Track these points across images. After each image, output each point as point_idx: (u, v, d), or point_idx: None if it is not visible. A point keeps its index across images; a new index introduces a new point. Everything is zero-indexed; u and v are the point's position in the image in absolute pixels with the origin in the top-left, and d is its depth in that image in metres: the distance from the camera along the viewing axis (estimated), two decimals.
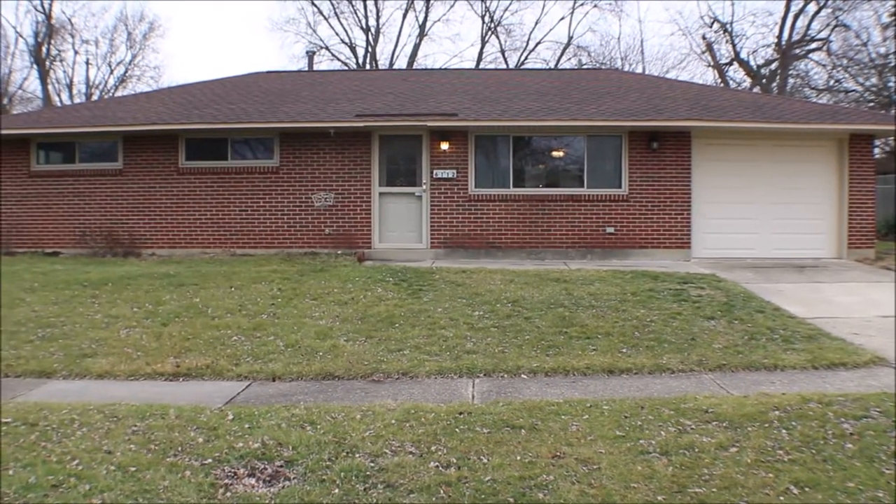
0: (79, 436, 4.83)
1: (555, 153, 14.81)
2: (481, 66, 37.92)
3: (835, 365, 6.82)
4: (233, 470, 4.32)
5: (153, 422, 5.11)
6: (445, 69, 30.75)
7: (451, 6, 55.67)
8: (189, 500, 3.94)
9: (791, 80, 33.09)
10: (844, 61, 29.66)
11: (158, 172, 14.50)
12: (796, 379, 6.44)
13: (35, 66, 37.70)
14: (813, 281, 11.44)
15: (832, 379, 6.42)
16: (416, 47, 39.37)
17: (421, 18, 39.60)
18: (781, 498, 3.96)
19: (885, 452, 4.47)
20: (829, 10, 31.08)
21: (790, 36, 32.94)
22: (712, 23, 35.55)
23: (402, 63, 38.81)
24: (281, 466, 4.37)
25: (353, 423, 5.11)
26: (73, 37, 39.23)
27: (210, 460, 4.44)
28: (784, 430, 4.89)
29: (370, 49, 39.20)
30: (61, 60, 39.42)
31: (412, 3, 38.88)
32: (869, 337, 7.79)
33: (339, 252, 13.97)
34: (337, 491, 4.04)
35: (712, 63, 36.04)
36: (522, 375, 6.63)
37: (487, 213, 14.09)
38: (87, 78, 40.49)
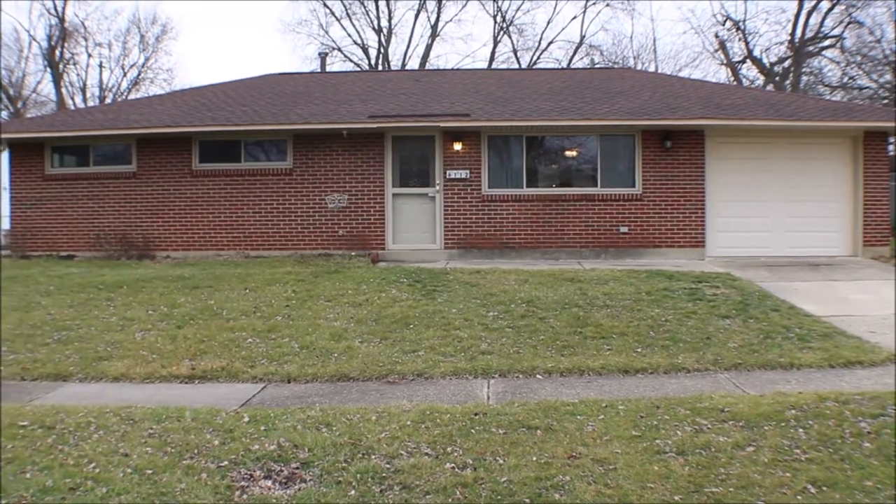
0: (95, 439, 4.87)
1: (568, 153, 14.77)
2: (493, 66, 37.87)
3: (851, 363, 6.80)
4: (249, 472, 4.34)
5: (169, 424, 5.14)
6: (458, 69, 30.79)
7: (463, 6, 55.80)
8: (205, 503, 3.96)
9: (804, 78, 32.87)
10: (858, 58, 29.44)
11: (172, 175, 14.58)
12: (812, 377, 6.41)
13: (48, 69, 38.00)
14: (828, 279, 11.35)
15: (849, 377, 6.39)
16: (429, 48, 39.44)
17: (433, 19, 39.65)
18: (799, 497, 3.94)
19: None
20: (843, 7, 30.84)
21: (803, 33, 32.73)
22: (725, 21, 35.43)
23: (414, 64, 38.87)
24: (297, 468, 4.39)
25: (368, 424, 5.12)
26: (86, 40, 39.49)
27: (226, 462, 4.47)
28: (801, 429, 4.86)
29: (382, 50, 39.28)
30: (75, 63, 39.71)
31: (424, 3, 38.94)
32: (885, 335, 7.73)
33: (352, 253, 14.00)
34: (353, 492, 4.05)
35: (725, 61, 35.86)
36: (537, 376, 6.63)
37: (501, 213, 14.07)
38: (101, 81, 40.75)
